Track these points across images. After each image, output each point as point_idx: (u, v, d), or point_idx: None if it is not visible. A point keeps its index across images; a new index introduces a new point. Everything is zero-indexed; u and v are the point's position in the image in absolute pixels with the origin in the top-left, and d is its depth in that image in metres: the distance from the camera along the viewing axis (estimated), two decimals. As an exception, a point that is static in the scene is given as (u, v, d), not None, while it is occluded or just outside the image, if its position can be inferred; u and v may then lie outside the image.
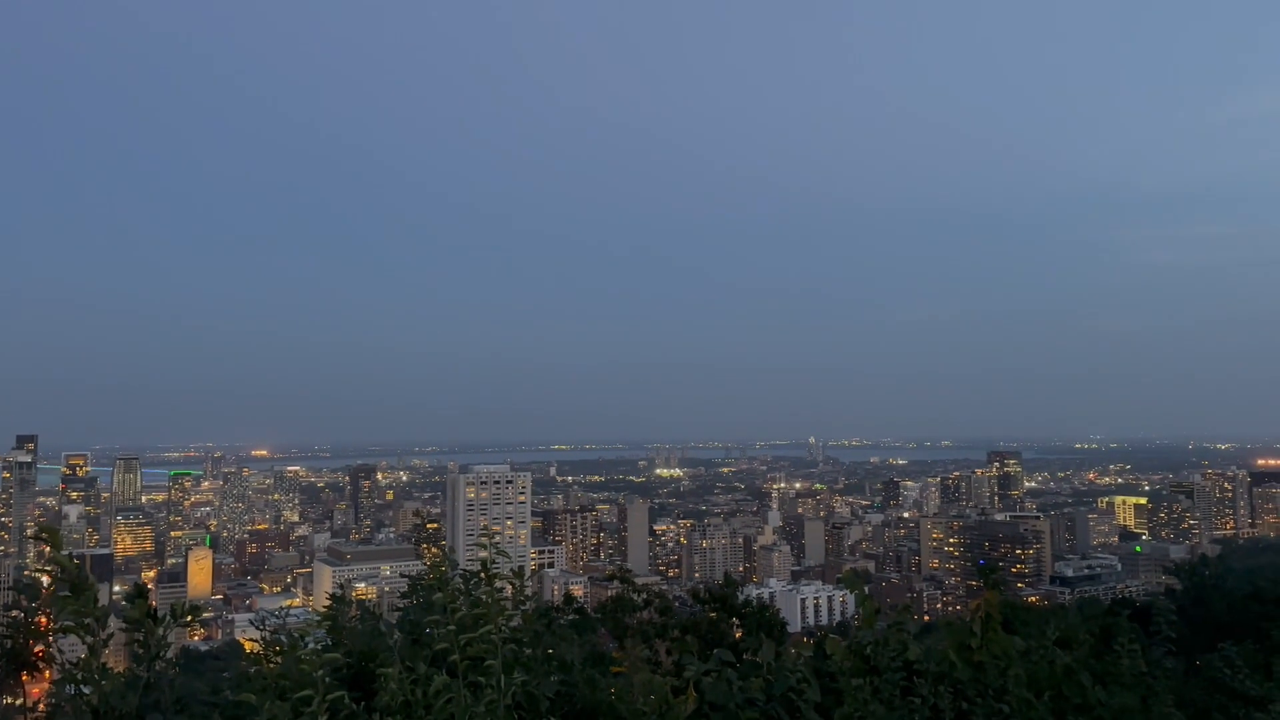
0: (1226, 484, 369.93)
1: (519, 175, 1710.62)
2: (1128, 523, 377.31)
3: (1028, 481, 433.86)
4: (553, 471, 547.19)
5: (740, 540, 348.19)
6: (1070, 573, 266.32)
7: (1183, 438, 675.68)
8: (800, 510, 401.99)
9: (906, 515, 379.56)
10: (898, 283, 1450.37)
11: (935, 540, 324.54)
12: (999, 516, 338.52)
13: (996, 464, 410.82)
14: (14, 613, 5.54)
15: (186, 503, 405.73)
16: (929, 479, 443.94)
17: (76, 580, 4.87)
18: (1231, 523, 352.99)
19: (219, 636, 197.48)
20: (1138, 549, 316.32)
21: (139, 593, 5.26)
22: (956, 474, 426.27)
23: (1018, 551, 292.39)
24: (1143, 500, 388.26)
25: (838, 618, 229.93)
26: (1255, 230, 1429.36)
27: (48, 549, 5.13)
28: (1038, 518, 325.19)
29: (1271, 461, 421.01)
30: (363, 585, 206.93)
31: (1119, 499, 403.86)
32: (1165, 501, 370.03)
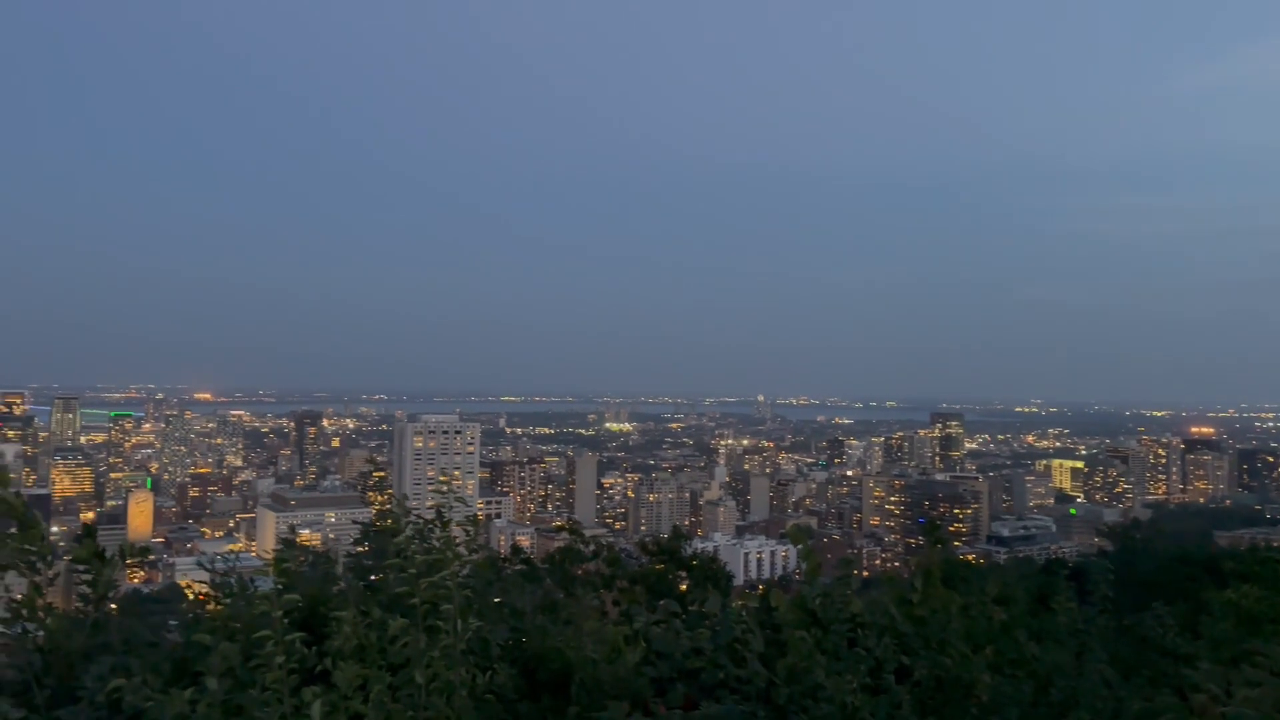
0: (1160, 450, 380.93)
1: (457, 119, 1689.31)
2: (1063, 485, 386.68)
3: (969, 443, 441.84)
4: (502, 423, 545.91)
5: (687, 495, 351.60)
6: (1006, 532, 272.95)
7: (1120, 404, 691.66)
8: (747, 466, 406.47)
9: (850, 473, 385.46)
10: (840, 247, 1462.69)
11: (877, 498, 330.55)
12: (939, 476, 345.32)
13: (939, 425, 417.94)
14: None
15: (127, 444, 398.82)
16: (873, 438, 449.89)
17: (23, 517, 4.78)
18: (1163, 488, 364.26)
19: (159, 580, 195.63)
20: (1072, 511, 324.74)
21: (88, 532, 5.19)
22: (900, 434, 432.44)
23: (956, 511, 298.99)
24: (1079, 464, 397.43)
25: (780, 572, 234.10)
26: (1181, 204, 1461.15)
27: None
28: (977, 478, 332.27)
29: (1204, 429, 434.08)
30: (307, 532, 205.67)
31: (1056, 462, 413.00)
32: (1101, 465, 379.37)
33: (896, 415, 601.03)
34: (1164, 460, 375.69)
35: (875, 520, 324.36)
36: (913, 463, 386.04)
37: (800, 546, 8.94)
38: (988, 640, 7.87)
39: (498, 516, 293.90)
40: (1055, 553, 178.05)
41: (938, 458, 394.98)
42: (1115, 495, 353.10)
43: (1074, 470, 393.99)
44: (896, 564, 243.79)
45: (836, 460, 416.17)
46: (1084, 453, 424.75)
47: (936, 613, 7.61)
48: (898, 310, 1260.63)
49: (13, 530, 4.93)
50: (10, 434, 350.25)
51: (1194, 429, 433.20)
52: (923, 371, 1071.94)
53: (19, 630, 4.86)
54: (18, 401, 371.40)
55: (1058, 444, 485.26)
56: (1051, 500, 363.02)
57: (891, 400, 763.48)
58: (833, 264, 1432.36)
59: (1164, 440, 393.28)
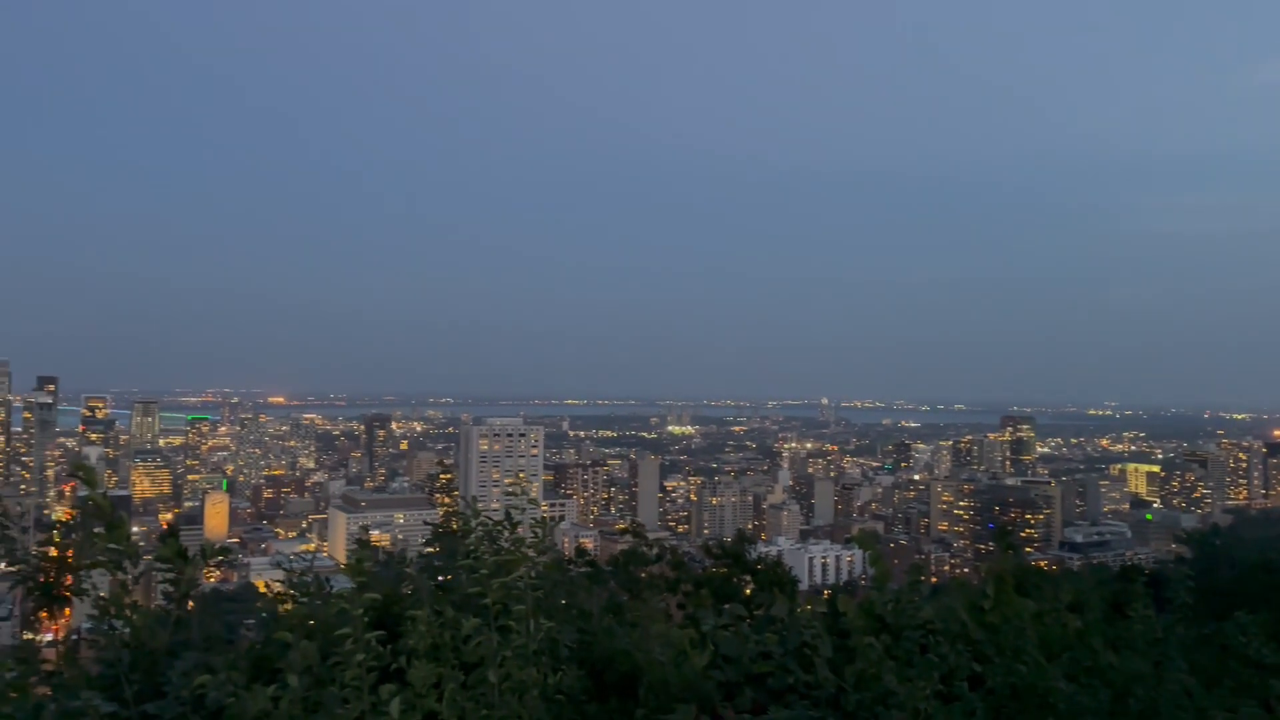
0: (1241, 454, 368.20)
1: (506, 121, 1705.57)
2: (1139, 490, 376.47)
3: (1040, 446, 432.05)
4: (565, 426, 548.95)
5: (750, 498, 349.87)
6: (1080, 538, 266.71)
7: (1199, 407, 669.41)
8: (811, 470, 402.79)
9: (917, 477, 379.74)
10: (905, 245, 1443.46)
11: (945, 503, 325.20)
12: (1010, 480, 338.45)
13: (1009, 428, 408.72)
14: (48, 548, 5.62)
15: (204, 447, 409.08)
16: (941, 442, 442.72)
17: (111, 517, 4.96)
18: (1244, 493, 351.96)
19: (234, 579, 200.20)
20: (1148, 517, 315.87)
21: (171, 532, 5.36)
22: (969, 437, 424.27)
23: (1028, 516, 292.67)
24: (1155, 468, 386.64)
25: (845, 577, 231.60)
26: (1259, 201, 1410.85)
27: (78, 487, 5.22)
28: (1049, 483, 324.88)
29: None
30: (377, 532, 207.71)
31: (1131, 466, 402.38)
32: (1178, 470, 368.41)
33: (965, 418, 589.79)
34: (1245, 464, 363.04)
35: (943, 525, 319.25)
36: (982, 467, 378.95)
37: (869, 552, 8.85)
38: (1063, 648, 7.71)
39: (561, 519, 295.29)
40: (1131, 559, 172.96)
41: (1008, 462, 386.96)
42: (1193, 500, 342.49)
43: (1150, 475, 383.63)
44: (966, 570, 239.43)
45: (903, 464, 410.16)
46: (1160, 457, 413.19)
47: (1009, 620, 7.48)
48: (966, 311, 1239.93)
49: (100, 530, 5.10)
50: (93, 437, 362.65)
51: (1277, 432, 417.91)
52: (992, 374, 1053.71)
53: (107, 627, 5.04)
54: (100, 406, 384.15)
55: (1133, 448, 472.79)
56: (1127, 505, 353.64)
57: (960, 403, 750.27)
58: (899, 264, 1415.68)
59: (1245, 444, 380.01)
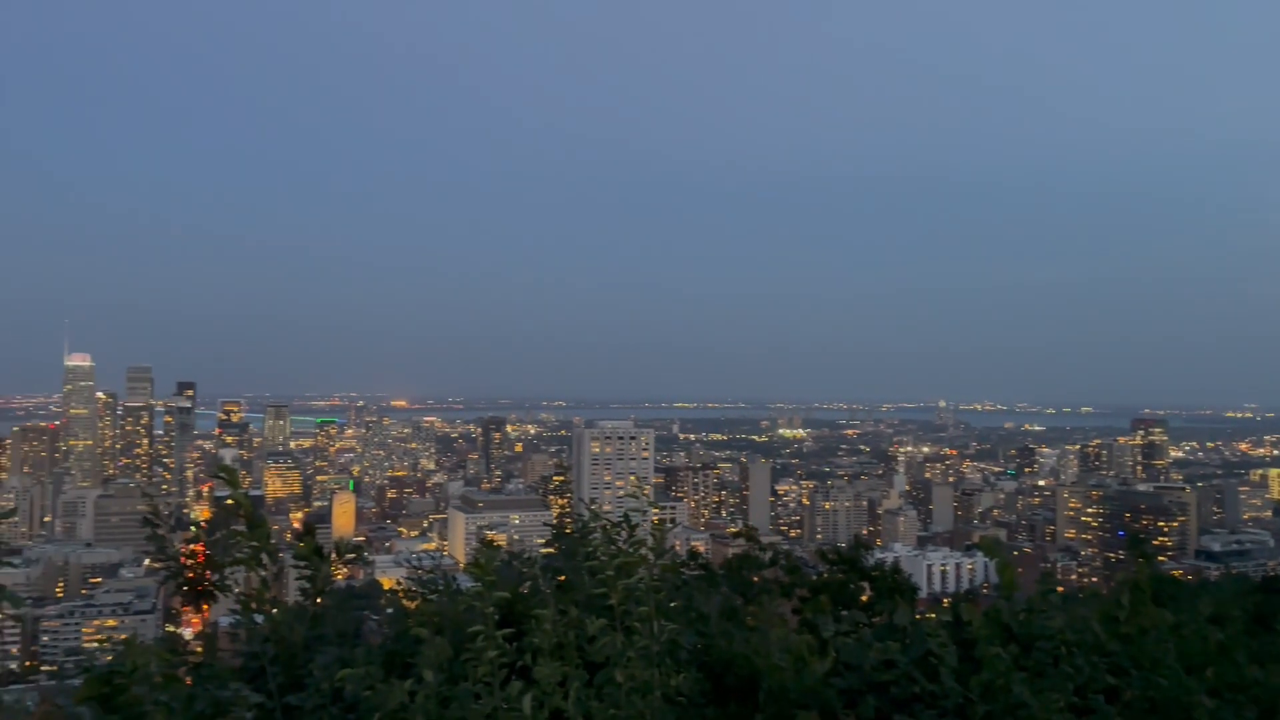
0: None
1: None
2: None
3: (1174, 450, 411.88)
4: (675, 429, 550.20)
5: (864, 503, 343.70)
6: (1218, 547, 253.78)
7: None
8: (928, 474, 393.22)
9: (1042, 483, 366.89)
10: (1030, 245, 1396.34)
11: (1072, 509, 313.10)
12: (1142, 486, 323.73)
13: (1141, 432, 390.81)
14: (193, 545, 5.92)
15: (331, 449, 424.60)
16: (1067, 446, 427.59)
17: (252, 517, 5.20)
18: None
19: (360, 576, 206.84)
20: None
21: (308, 530, 5.59)
22: (1097, 441, 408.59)
23: (1161, 524, 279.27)
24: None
25: (965, 585, 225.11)
26: None
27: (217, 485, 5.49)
28: (1184, 489, 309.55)
29: None
30: (493, 533, 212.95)
31: (1274, 471, 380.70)
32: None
33: (1093, 421, 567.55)
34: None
35: (1071, 533, 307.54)
36: (1112, 472, 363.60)
37: (994, 559, 8.58)
38: (1203, 662, 7.33)
39: (673, 522, 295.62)
40: (1274, 569, 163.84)
41: (1139, 467, 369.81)
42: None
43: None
44: (1094, 579, 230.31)
45: (1027, 469, 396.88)
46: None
47: (1146, 631, 7.16)
48: (1094, 312, 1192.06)
49: (241, 528, 5.36)
50: (229, 439, 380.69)
51: None
52: (1122, 375, 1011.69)
53: (252, 621, 5.28)
54: (235, 410, 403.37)
55: (1275, 451, 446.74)
56: (1269, 513, 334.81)
57: (1087, 406, 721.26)
58: (1022, 264, 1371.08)
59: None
